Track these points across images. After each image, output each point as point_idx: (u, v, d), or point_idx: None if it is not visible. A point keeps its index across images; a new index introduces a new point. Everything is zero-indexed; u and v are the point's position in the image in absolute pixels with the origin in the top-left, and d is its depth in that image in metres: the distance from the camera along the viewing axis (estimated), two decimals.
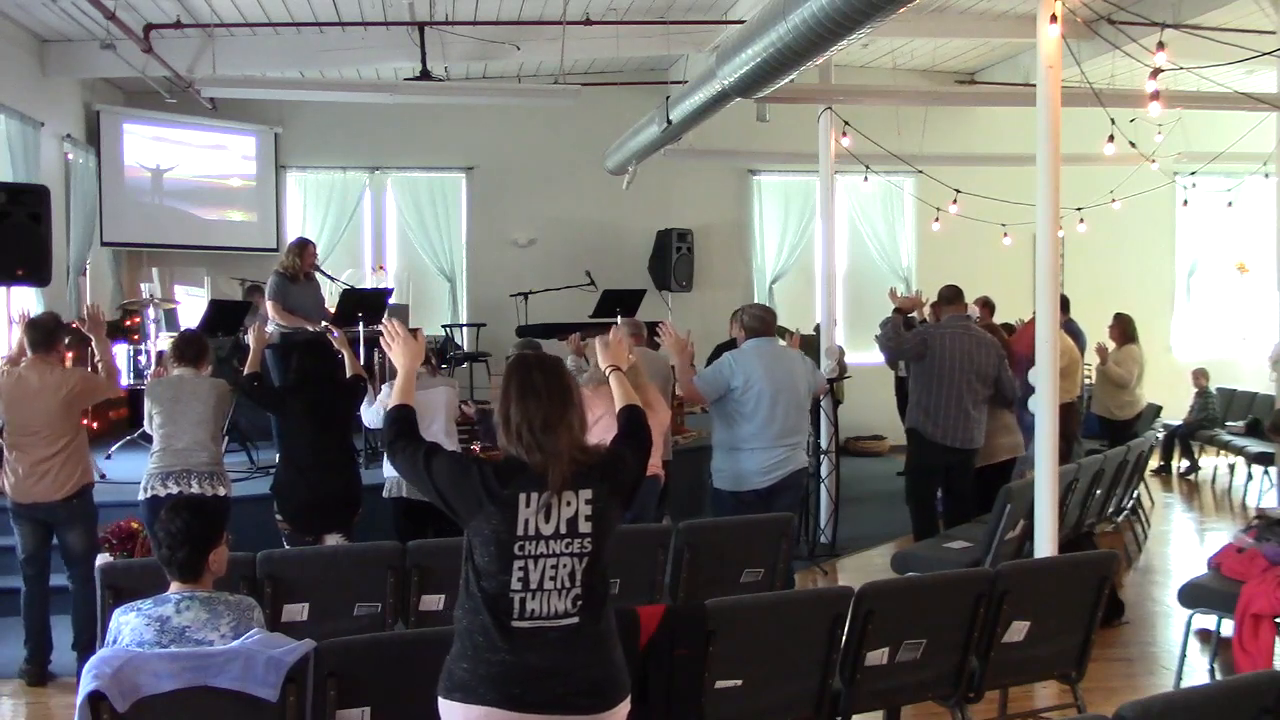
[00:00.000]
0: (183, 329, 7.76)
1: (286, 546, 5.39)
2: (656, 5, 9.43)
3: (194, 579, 3.12)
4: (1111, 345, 9.00)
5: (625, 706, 2.72)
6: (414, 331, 3.39)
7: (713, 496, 5.61)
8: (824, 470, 8.03)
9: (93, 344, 5.68)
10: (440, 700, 2.67)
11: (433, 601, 4.21)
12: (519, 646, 2.60)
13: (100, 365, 5.57)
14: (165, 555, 3.11)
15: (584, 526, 2.66)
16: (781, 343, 5.88)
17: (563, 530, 2.64)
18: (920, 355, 6.53)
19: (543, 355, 2.89)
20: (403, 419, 2.87)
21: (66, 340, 5.61)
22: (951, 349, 6.46)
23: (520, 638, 2.61)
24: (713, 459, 5.53)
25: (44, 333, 5.33)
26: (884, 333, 6.72)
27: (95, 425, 8.18)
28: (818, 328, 8.90)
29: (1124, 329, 8.97)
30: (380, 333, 3.26)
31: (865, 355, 10.94)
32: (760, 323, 5.54)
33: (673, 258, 11.83)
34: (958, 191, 10.07)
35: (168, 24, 8.74)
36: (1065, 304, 8.67)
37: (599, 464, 2.72)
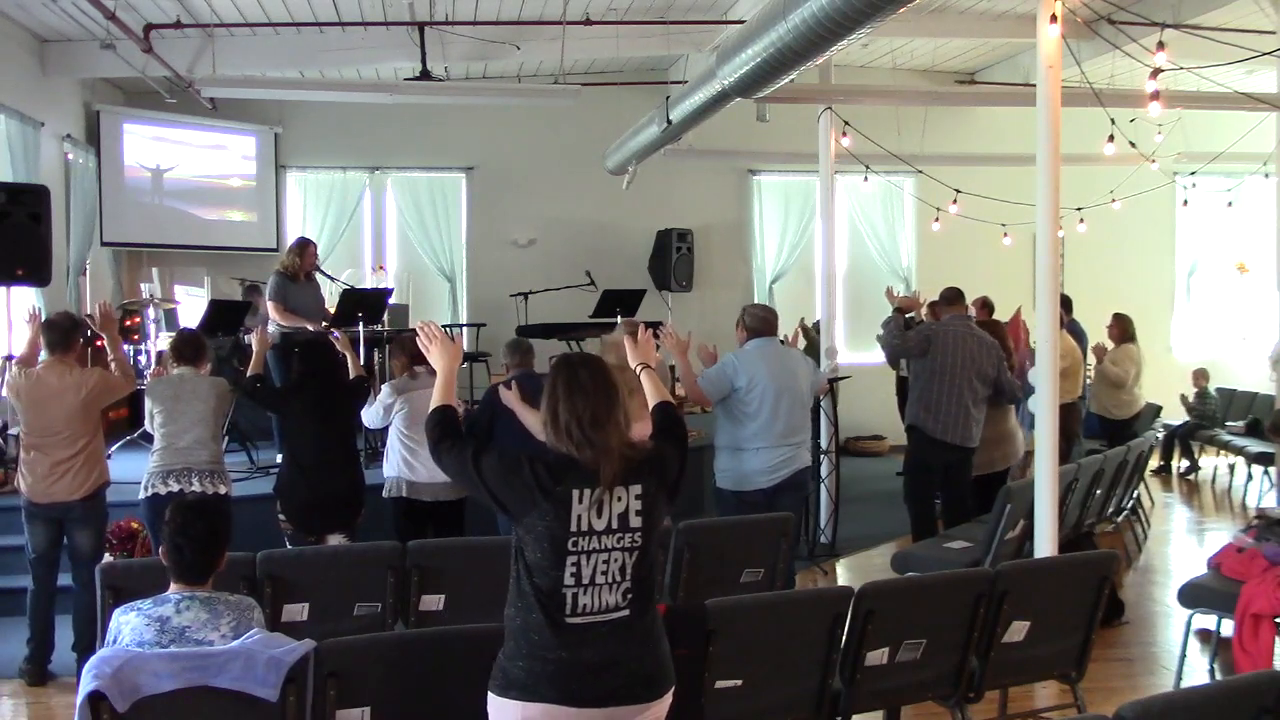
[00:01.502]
0: (181, 328, 7.76)
1: (289, 546, 5.39)
2: (656, 5, 9.43)
3: (201, 581, 3.12)
4: (1110, 345, 8.99)
5: (669, 697, 2.78)
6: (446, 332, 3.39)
7: (716, 497, 5.61)
8: (824, 470, 8.03)
9: (104, 342, 5.69)
10: (493, 698, 2.70)
11: (433, 601, 4.21)
12: (573, 643, 2.65)
13: (114, 363, 5.58)
14: (185, 559, 3.10)
15: (634, 521, 2.71)
16: (783, 337, 5.88)
17: (614, 525, 2.69)
18: (924, 352, 6.54)
19: (587, 354, 2.92)
20: (446, 420, 2.90)
21: (81, 340, 5.62)
22: (955, 346, 6.47)
23: (574, 633, 2.66)
24: (716, 459, 5.54)
25: (61, 333, 5.34)
26: (886, 332, 6.74)
27: None
28: (818, 326, 8.91)
29: (1123, 328, 8.96)
30: (415, 333, 3.27)
31: (865, 355, 10.97)
32: (762, 323, 5.55)
33: (673, 258, 11.83)
34: (958, 191, 10.07)
35: (168, 24, 8.74)
36: (1068, 304, 8.69)
37: (647, 459, 2.77)
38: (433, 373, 6.21)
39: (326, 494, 5.60)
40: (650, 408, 3.11)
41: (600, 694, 2.65)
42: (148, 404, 5.62)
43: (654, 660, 2.76)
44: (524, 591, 2.69)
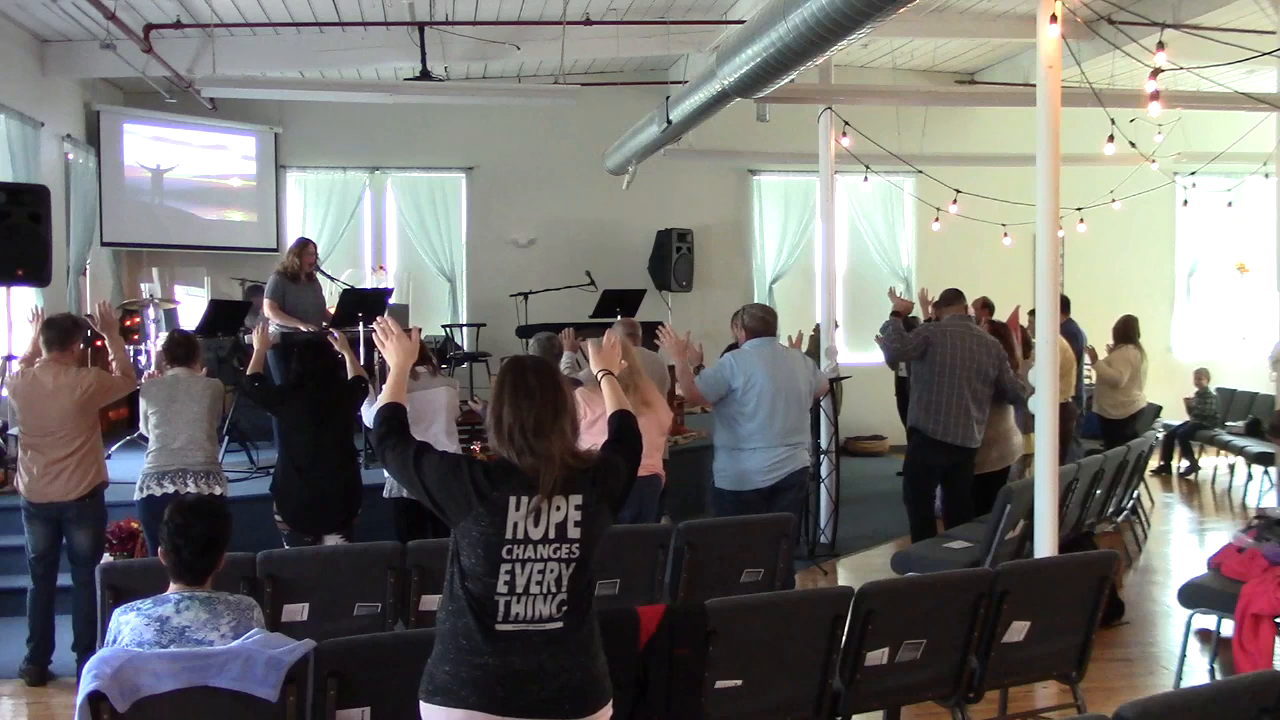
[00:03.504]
0: (172, 329, 7.75)
1: (286, 547, 5.39)
2: (656, 5, 9.44)
3: (200, 582, 3.12)
4: (1104, 351, 8.99)
5: (607, 712, 2.71)
6: (409, 330, 3.38)
7: (715, 496, 5.61)
8: (824, 470, 8.03)
9: (105, 342, 5.68)
10: (421, 704, 2.66)
11: (433, 601, 4.20)
12: (502, 650, 2.59)
13: (115, 364, 5.57)
14: (184, 559, 3.10)
15: (573, 532, 2.65)
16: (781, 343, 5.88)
17: (551, 535, 2.63)
18: (922, 354, 6.54)
19: (537, 358, 2.88)
20: (393, 417, 2.84)
21: (80, 341, 5.61)
22: (954, 347, 6.47)
23: (503, 641, 2.60)
24: (714, 459, 5.54)
25: (59, 332, 5.34)
26: (886, 334, 6.74)
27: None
28: (818, 328, 8.91)
29: (1121, 329, 8.95)
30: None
31: (865, 355, 10.97)
32: (761, 323, 5.54)
33: (673, 258, 11.83)
34: (958, 191, 10.07)
35: (168, 24, 8.74)
36: (1065, 304, 8.68)
37: (590, 469, 2.71)
38: (433, 373, 6.22)
39: (323, 494, 5.59)
40: (608, 415, 3.04)
41: (525, 704, 2.58)
42: (142, 405, 5.60)
43: (586, 675, 2.66)
44: (456, 596, 2.64)
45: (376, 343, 3.12)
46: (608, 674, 2.74)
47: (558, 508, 2.63)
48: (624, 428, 2.97)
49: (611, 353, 3.27)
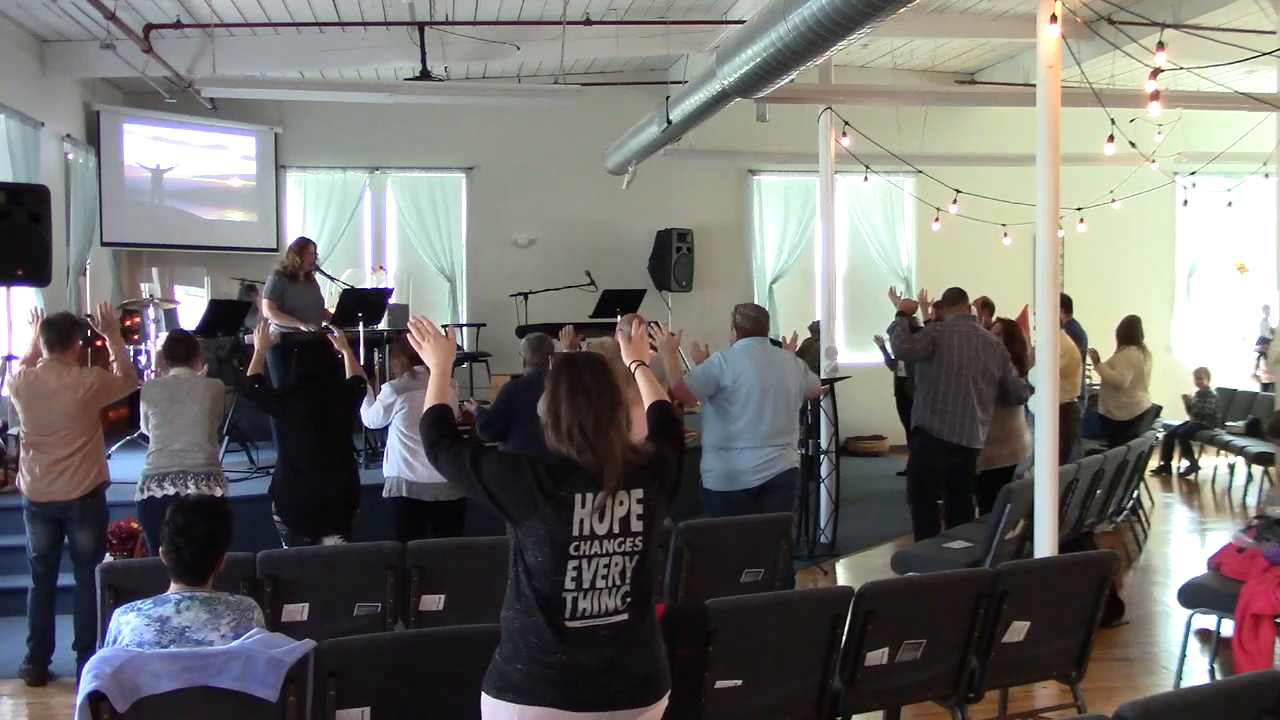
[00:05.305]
0: (171, 329, 7.74)
1: (285, 547, 5.39)
2: (656, 5, 9.44)
3: (201, 581, 3.12)
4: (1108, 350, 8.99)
5: (665, 702, 2.76)
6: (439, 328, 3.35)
7: (703, 497, 5.59)
8: (824, 470, 8.02)
9: (105, 342, 5.68)
10: (489, 699, 2.68)
11: (433, 601, 4.21)
12: (573, 646, 2.63)
13: (116, 364, 5.57)
14: (184, 559, 3.10)
15: (636, 525, 2.69)
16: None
17: (616, 530, 2.66)
18: (930, 354, 6.54)
19: (591, 355, 2.88)
20: (442, 419, 2.84)
21: (81, 341, 5.62)
22: (960, 347, 6.49)
23: (573, 637, 2.63)
24: (703, 459, 5.51)
25: (60, 332, 5.34)
26: (894, 335, 6.74)
27: None
28: (817, 327, 8.89)
29: (1124, 331, 8.94)
30: (403, 332, 3.23)
31: (865, 355, 10.98)
32: (752, 323, 5.53)
33: (673, 258, 11.83)
34: (958, 191, 10.07)
35: (168, 24, 8.74)
36: (1068, 304, 8.69)
37: (648, 463, 2.75)
38: None
39: (323, 495, 5.59)
40: (646, 406, 3.07)
41: (599, 698, 2.63)
42: (143, 406, 5.60)
43: (652, 663, 2.74)
44: (523, 594, 2.66)
45: (412, 343, 3.09)
46: (668, 663, 2.79)
47: (620, 502, 2.67)
48: (664, 418, 3.01)
49: (642, 343, 3.29)
